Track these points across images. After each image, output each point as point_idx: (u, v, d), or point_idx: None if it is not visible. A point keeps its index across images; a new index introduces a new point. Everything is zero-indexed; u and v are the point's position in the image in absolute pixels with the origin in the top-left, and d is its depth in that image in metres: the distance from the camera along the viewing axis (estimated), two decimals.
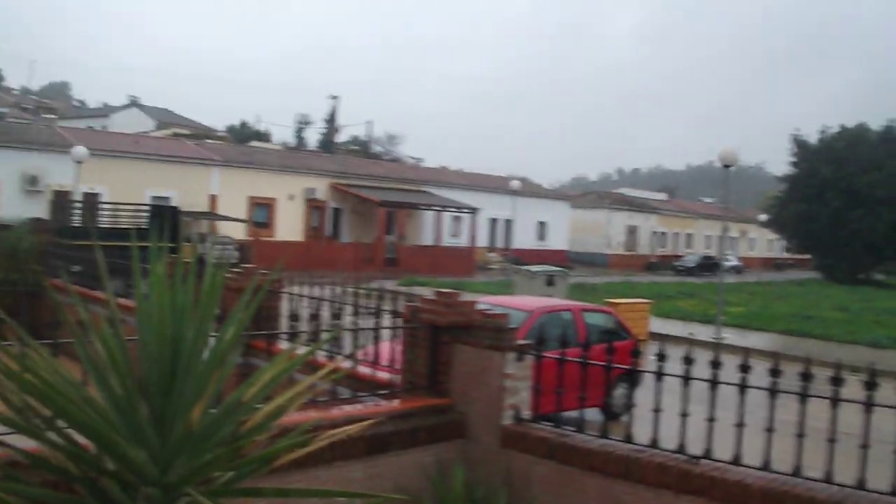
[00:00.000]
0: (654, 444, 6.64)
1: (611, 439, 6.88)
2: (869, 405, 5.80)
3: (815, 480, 5.81)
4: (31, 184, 39.48)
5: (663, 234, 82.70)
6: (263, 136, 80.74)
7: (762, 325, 30.24)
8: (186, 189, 44.19)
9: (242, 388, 4.19)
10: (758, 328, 29.64)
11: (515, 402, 7.47)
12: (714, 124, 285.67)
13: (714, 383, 6.41)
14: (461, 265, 52.32)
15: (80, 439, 3.87)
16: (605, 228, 75.19)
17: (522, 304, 15.14)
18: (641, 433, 6.90)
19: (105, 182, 40.56)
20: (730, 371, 6.47)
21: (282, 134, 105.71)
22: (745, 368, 6.24)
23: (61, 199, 36.33)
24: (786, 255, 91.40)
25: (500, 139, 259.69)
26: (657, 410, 6.71)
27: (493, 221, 62.47)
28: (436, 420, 7.56)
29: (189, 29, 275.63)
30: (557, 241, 68.90)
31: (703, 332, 26.56)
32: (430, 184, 58.99)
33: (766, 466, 6.05)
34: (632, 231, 78.03)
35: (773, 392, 6.17)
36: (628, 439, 6.80)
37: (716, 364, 6.40)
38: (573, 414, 7.50)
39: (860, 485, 5.69)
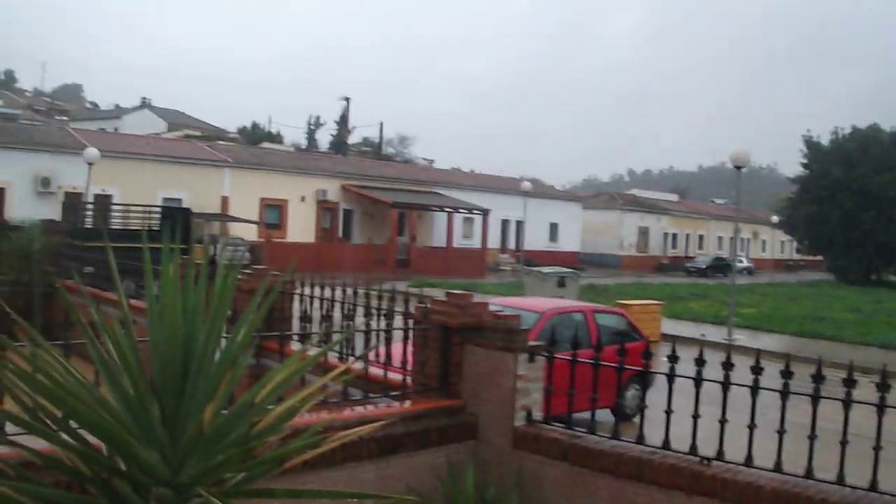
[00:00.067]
0: (666, 445, 6.63)
1: (623, 441, 6.87)
2: (881, 407, 5.78)
3: (828, 482, 5.79)
4: (44, 185, 39.58)
5: (675, 235, 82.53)
6: (275, 138, 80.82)
7: (774, 326, 30.15)
8: (198, 190, 44.25)
9: (254, 389, 4.19)
10: (770, 329, 29.55)
11: (527, 404, 7.46)
12: (726, 125, 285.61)
13: (726, 385, 6.40)
14: (472, 266, 52.28)
15: (93, 440, 3.88)
16: (616, 230, 75.06)
17: (534, 305, 15.12)
18: (653, 434, 6.89)
19: (117, 183, 40.66)
20: (742, 372, 6.44)
21: (293, 135, 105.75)
22: (756, 370, 6.23)
23: (73, 201, 36.45)
24: (797, 256, 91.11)
25: (509, 140, 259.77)
26: (669, 412, 6.70)
27: (505, 223, 62.43)
28: (447, 421, 7.56)
29: (188, 29, 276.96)
30: (569, 242, 68.79)
31: (715, 334, 26.50)
32: (442, 185, 58.99)
33: (778, 468, 6.03)
34: (643, 232, 77.90)
35: (785, 394, 6.15)
36: (640, 441, 6.79)
37: (727, 365, 6.39)
38: (585, 415, 7.50)
39: (873, 487, 5.67)
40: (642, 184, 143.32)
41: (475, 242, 56.36)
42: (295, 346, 10.48)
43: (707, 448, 6.40)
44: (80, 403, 3.73)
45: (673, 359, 6.64)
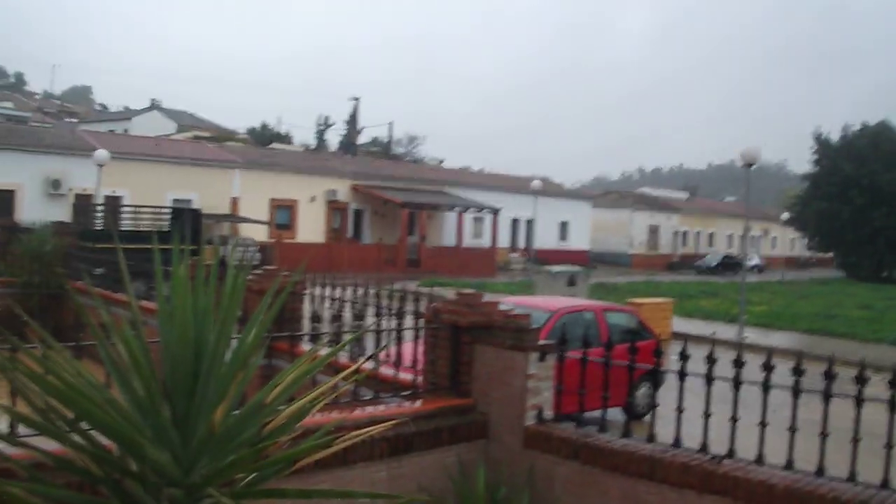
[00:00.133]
0: (677, 443, 6.62)
1: (634, 439, 6.86)
2: (893, 404, 5.76)
3: (839, 480, 5.78)
4: (54, 187, 39.65)
5: (685, 233, 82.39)
6: (284, 138, 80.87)
7: (785, 324, 30.10)
8: (208, 191, 44.30)
9: (265, 390, 4.19)
10: (780, 327, 29.50)
11: (538, 403, 7.46)
12: (736, 122, 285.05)
13: (737, 383, 6.39)
14: (483, 266, 52.28)
15: (104, 441, 3.89)
16: (626, 228, 74.97)
17: (544, 304, 15.12)
18: (664, 433, 6.89)
19: (127, 185, 40.72)
20: (753, 370, 6.43)
21: (302, 136, 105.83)
22: (768, 368, 6.21)
23: (84, 203, 36.56)
24: (808, 253, 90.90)
25: (518, 139, 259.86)
26: (680, 410, 6.69)
27: (515, 222, 62.42)
28: (458, 420, 7.56)
29: (197, 30, 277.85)
30: (579, 240, 68.72)
31: (726, 332, 26.42)
32: (451, 184, 58.97)
33: (789, 466, 6.02)
34: (653, 230, 77.78)
35: (797, 391, 6.14)
36: (651, 439, 6.78)
37: (739, 363, 6.38)
38: (596, 414, 7.50)
39: (885, 484, 5.66)
40: (652, 182, 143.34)
41: (485, 242, 56.33)
42: (306, 346, 10.49)
43: (718, 446, 6.39)
44: (92, 405, 3.73)
45: (684, 357, 6.64)
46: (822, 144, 69.43)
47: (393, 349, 8.89)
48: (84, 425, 3.87)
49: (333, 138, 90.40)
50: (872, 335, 27.29)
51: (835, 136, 69.73)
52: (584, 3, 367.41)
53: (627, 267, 70.67)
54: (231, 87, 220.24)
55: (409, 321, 9.00)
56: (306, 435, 4.52)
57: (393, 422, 5.85)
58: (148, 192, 39.64)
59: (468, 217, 56.04)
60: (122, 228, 28.19)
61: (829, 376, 5.96)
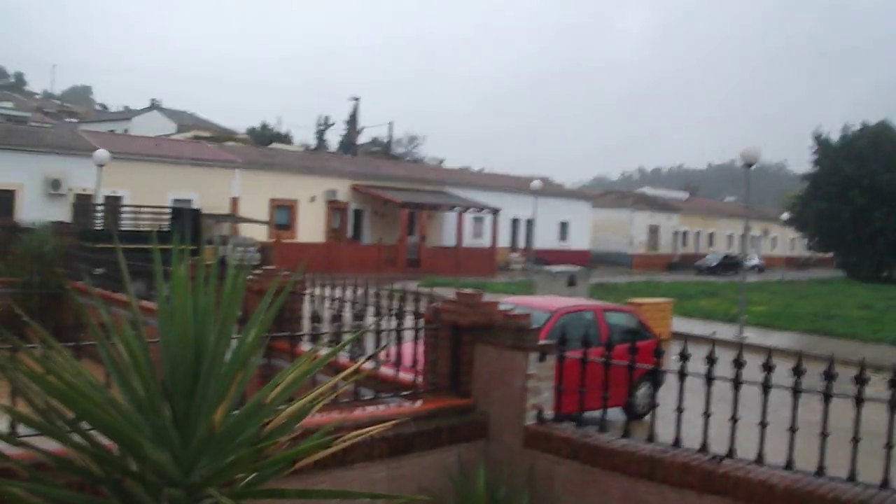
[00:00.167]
0: (677, 443, 6.62)
1: (634, 439, 6.86)
2: (894, 404, 5.76)
3: (840, 480, 5.78)
4: (54, 187, 39.66)
5: (685, 233, 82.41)
6: (284, 138, 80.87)
7: (785, 324, 30.12)
8: (208, 191, 44.30)
9: (265, 390, 4.19)
10: (780, 327, 29.52)
11: (538, 402, 7.46)
12: (735, 122, 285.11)
13: (737, 383, 6.39)
14: (483, 266, 52.31)
15: (104, 441, 3.89)
16: (626, 228, 74.97)
17: (544, 304, 15.12)
18: (664, 433, 6.89)
19: (127, 185, 40.74)
20: (753, 370, 6.43)
21: (302, 136, 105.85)
22: (768, 368, 6.21)
23: (84, 203, 36.59)
24: (808, 253, 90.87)
25: (518, 139, 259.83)
26: (680, 410, 6.69)
27: (515, 222, 62.44)
28: (458, 420, 7.56)
29: (197, 30, 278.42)
30: (579, 240, 68.73)
31: (726, 332, 26.46)
32: (451, 184, 58.99)
33: (789, 466, 6.02)
34: (653, 230, 77.78)
35: (797, 391, 6.14)
36: (651, 439, 6.78)
37: (739, 363, 6.38)
38: (596, 414, 7.50)
39: (885, 484, 5.66)
40: (652, 182, 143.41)
41: (485, 241, 56.35)
42: (305, 346, 10.49)
43: (718, 446, 6.39)
44: (92, 405, 3.73)
45: (684, 357, 6.64)
46: (822, 144, 69.43)
47: (393, 349, 8.88)
48: (84, 425, 3.87)
49: (333, 138, 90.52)
50: (872, 335, 27.31)
51: (835, 137, 69.78)
52: (584, 3, 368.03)
53: (627, 267, 70.68)
54: (231, 87, 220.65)
55: (409, 321, 9.00)
56: (306, 435, 4.52)
57: (393, 422, 5.84)
58: (148, 193, 39.66)
59: (468, 217, 56.06)
60: (122, 228, 28.22)
61: (829, 376, 5.95)
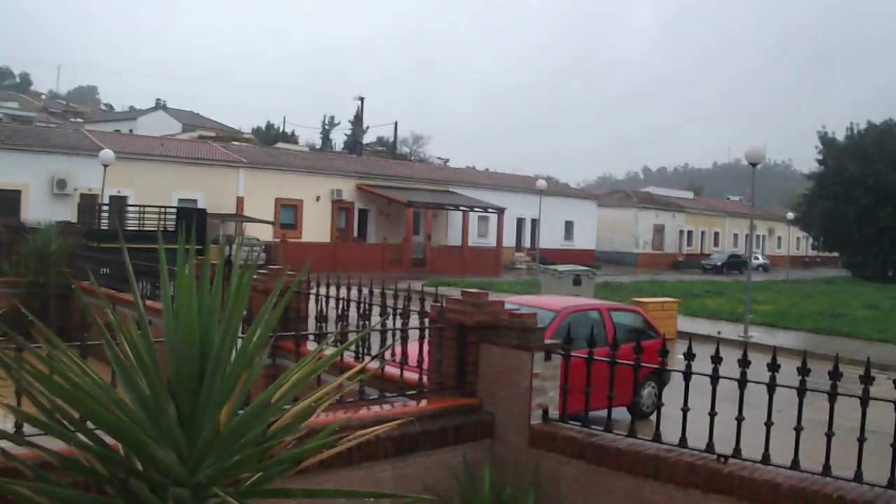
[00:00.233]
0: (682, 443, 6.61)
1: (639, 439, 6.85)
2: None
3: (845, 480, 5.77)
4: (60, 187, 39.71)
5: (690, 232, 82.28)
6: (289, 138, 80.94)
7: (790, 323, 30.07)
8: (213, 191, 44.33)
9: (270, 389, 4.19)
10: (786, 326, 29.46)
11: (543, 402, 7.46)
12: (741, 121, 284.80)
13: (742, 382, 6.38)
14: (488, 265, 52.28)
15: (110, 440, 3.89)
16: (631, 227, 74.86)
17: (549, 303, 15.10)
18: (670, 432, 6.88)
19: (132, 185, 40.78)
20: (758, 370, 6.42)
21: (307, 135, 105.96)
22: (773, 367, 6.20)
23: (89, 202, 36.54)
24: (813, 253, 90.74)
25: (523, 139, 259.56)
26: (685, 409, 6.68)
27: (520, 221, 62.37)
28: (463, 420, 7.56)
29: (202, 30, 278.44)
30: (584, 240, 68.66)
31: (731, 331, 26.44)
32: (457, 184, 58.98)
33: (795, 466, 6.01)
34: (659, 230, 77.66)
35: (802, 391, 6.13)
36: (657, 439, 6.77)
37: (744, 363, 6.37)
38: (601, 413, 7.49)
39: (891, 484, 5.65)
40: (657, 181, 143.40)
41: (490, 241, 56.35)
42: (311, 345, 10.49)
43: (724, 446, 6.38)
44: (97, 404, 3.74)
45: (689, 356, 6.63)
46: (828, 144, 69.33)
47: (398, 348, 8.88)
48: (89, 425, 3.87)
49: (339, 138, 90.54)
50: (878, 334, 27.25)
51: (839, 135, 69.71)
52: (586, 1, 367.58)
53: (633, 266, 70.55)
54: (236, 86, 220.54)
55: (414, 321, 8.99)
56: (311, 434, 4.53)
57: (398, 421, 5.84)
58: (153, 192, 39.67)
59: (473, 216, 56.03)
60: (128, 228, 28.23)
61: (835, 376, 5.95)
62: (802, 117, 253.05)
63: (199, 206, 39.45)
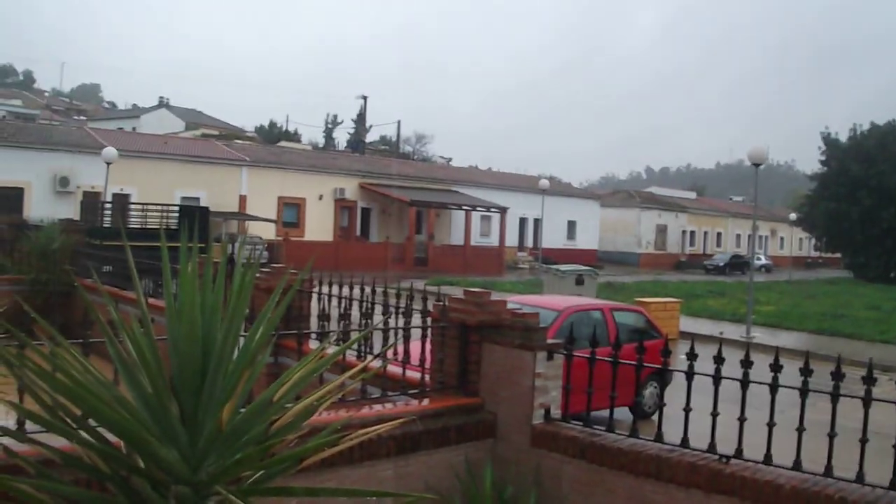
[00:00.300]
0: (684, 443, 6.61)
1: (641, 439, 6.85)
2: None
3: (847, 481, 5.77)
4: (62, 185, 39.76)
5: (693, 232, 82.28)
6: (292, 137, 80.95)
7: (793, 324, 30.06)
8: (216, 189, 44.38)
9: (273, 388, 4.19)
10: (788, 327, 29.46)
11: (545, 402, 7.45)
12: (744, 122, 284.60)
13: (745, 382, 6.37)
14: (490, 265, 52.29)
15: (112, 438, 3.89)
16: (634, 227, 74.87)
17: (552, 303, 15.09)
18: (672, 433, 6.87)
19: (135, 183, 40.83)
20: (760, 370, 6.42)
21: (310, 134, 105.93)
22: (775, 368, 6.20)
23: (92, 200, 36.63)
24: (816, 253, 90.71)
25: (525, 138, 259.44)
26: (687, 410, 6.68)
27: (523, 221, 62.38)
28: (465, 419, 7.56)
29: (205, 29, 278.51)
30: (587, 240, 68.68)
31: (734, 331, 26.43)
32: (459, 183, 59.00)
33: (797, 466, 6.01)
34: (661, 230, 77.65)
35: (804, 391, 6.13)
36: (659, 439, 6.77)
37: (746, 363, 6.37)
38: (603, 413, 7.49)
39: (893, 485, 5.64)
40: (660, 181, 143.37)
41: (493, 240, 56.37)
42: (313, 344, 10.49)
43: (726, 446, 6.38)
44: (100, 402, 3.73)
45: (691, 356, 6.62)
46: (830, 145, 69.32)
47: (400, 347, 8.88)
48: (92, 422, 3.87)
49: (342, 137, 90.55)
50: (880, 336, 27.24)
51: (842, 136, 69.74)
52: (588, 0, 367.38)
53: (635, 266, 70.55)
54: (239, 85, 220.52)
55: (416, 320, 8.99)
56: (313, 433, 4.53)
57: (400, 420, 5.84)
58: (156, 190, 39.74)
59: (476, 216, 56.05)
60: (130, 226, 28.24)
61: (837, 376, 5.94)
62: (803, 117, 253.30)
63: (202, 204, 39.49)
